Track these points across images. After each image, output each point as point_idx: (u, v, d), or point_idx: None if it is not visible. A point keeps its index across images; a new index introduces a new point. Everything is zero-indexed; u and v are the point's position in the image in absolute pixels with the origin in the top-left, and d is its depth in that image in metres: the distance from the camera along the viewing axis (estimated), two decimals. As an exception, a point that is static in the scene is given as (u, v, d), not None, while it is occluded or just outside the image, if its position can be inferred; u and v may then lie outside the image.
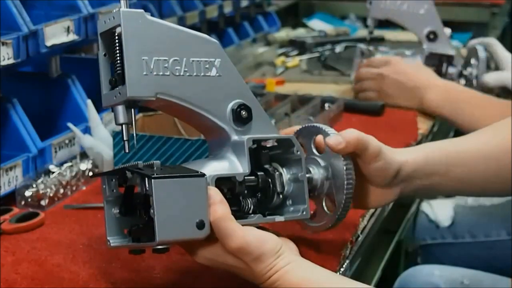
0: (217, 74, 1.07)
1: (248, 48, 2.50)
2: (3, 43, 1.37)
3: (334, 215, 1.14)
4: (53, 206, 1.40)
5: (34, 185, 1.39)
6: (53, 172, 1.45)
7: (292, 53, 2.54)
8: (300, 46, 2.57)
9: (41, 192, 1.39)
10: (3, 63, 1.37)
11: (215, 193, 1.02)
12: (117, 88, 1.01)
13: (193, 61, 1.05)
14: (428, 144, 1.27)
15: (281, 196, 1.12)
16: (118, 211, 1.06)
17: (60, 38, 1.51)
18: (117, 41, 1.01)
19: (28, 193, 1.38)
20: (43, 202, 1.38)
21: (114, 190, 1.07)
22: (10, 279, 1.13)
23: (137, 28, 1.01)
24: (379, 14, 2.14)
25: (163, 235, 0.98)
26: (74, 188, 1.46)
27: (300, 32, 2.81)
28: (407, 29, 2.22)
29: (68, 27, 1.54)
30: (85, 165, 1.50)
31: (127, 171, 1.04)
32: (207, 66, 1.06)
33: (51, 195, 1.40)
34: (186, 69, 1.04)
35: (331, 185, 1.14)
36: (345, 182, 1.12)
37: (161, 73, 1.02)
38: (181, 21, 2.20)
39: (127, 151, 1.04)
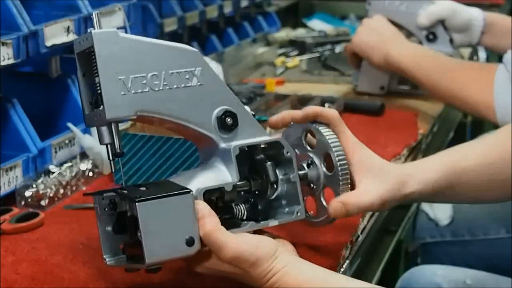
0: (199, 83, 1.06)
1: (248, 48, 2.49)
2: (3, 43, 1.37)
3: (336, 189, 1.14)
4: (53, 206, 1.40)
5: (34, 185, 1.39)
6: (53, 172, 1.45)
7: (292, 53, 2.54)
8: (300, 46, 2.57)
9: (41, 192, 1.39)
10: (3, 63, 1.37)
11: (203, 207, 1.02)
12: (98, 110, 1.01)
13: (172, 73, 1.04)
14: (434, 165, 1.22)
15: (275, 186, 1.12)
16: (111, 229, 1.06)
17: (60, 38, 1.51)
18: (94, 61, 1.00)
19: (28, 193, 1.38)
20: (43, 202, 1.38)
21: (106, 209, 1.07)
22: (10, 279, 1.13)
23: (111, 48, 1.00)
24: (378, 14, 2.14)
25: (152, 258, 0.98)
26: (74, 188, 1.46)
27: (300, 32, 2.81)
28: (407, 30, 2.21)
29: (68, 27, 1.53)
30: (85, 165, 1.50)
31: (115, 195, 1.04)
32: (187, 76, 1.05)
33: (51, 195, 1.40)
34: (165, 83, 1.04)
35: (327, 179, 1.15)
36: (340, 173, 1.12)
37: (139, 91, 1.02)
38: (181, 21, 2.20)
39: (113, 170, 1.04)
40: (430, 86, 1.80)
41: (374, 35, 1.95)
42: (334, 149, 1.12)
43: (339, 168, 1.12)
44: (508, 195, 1.25)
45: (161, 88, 1.03)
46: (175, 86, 1.05)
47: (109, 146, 1.03)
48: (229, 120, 1.08)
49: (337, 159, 1.12)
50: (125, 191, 1.02)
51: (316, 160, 1.15)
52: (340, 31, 2.74)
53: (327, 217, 1.16)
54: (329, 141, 1.13)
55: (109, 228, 1.07)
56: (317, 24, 3.03)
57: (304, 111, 1.16)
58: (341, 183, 1.12)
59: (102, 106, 1.00)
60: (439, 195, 1.22)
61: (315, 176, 1.15)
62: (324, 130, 1.14)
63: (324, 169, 1.15)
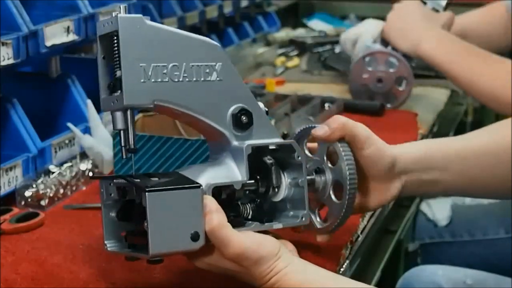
0: (218, 79, 1.06)
1: (248, 48, 2.50)
2: (3, 43, 1.37)
3: (336, 219, 1.14)
4: (53, 206, 1.40)
5: (34, 185, 1.39)
6: (53, 172, 1.45)
7: (292, 53, 2.54)
8: (300, 46, 2.57)
9: (41, 192, 1.39)
10: (3, 63, 1.37)
11: (210, 202, 1.01)
12: (115, 94, 1.01)
13: (193, 66, 1.04)
14: (427, 140, 1.27)
15: (276, 190, 1.12)
16: (115, 215, 1.06)
17: (60, 38, 1.51)
18: (115, 46, 1.00)
19: (28, 193, 1.38)
20: (43, 202, 1.38)
21: (112, 194, 1.07)
22: (10, 279, 1.13)
23: (135, 35, 1.00)
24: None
25: (156, 248, 0.98)
26: (74, 188, 1.46)
27: (300, 32, 2.81)
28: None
29: (68, 27, 1.54)
30: (85, 165, 1.50)
31: (125, 182, 1.04)
32: (207, 70, 1.05)
33: (51, 195, 1.40)
34: (185, 75, 1.04)
35: (330, 203, 1.14)
36: (344, 209, 1.11)
37: (159, 80, 1.01)
38: (181, 21, 2.20)
39: (124, 157, 1.03)
40: (464, 84, 1.80)
41: (405, 23, 1.91)
42: (349, 183, 1.11)
43: (346, 203, 1.11)
44: (508, 190, 1.24)
45: (180, 79, 1.03)
46: (194, 79, 1.04)
47: (122, 132, 1.02)
48: (244, 118, 1.08)
49: (348, 193, 1.11)
50: (136, 179, 1.02)
51: (328, 179, 1.14)
52: (340, 31, 2.74)
53: (328, 226, 1.15)
54: (348, 173, 1.11)
55: (112, 214, 1.06)
56: (317, 24, 3.03)
57: (340, 126, 1.14)
58: (341, 216, 1.12)
59: (120, 91, 1.00)
60: (433, 168, 1.20)
61: (321, 186, 1.15)
62: (347, 158, 1.12)
63: (332, 195, 1.14)
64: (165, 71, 1.02)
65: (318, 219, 1.16)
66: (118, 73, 1.00)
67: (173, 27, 2.12)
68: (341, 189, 1.12)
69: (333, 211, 1.14)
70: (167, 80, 1.02)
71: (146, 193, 0.97)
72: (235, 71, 1.08)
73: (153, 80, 1.01)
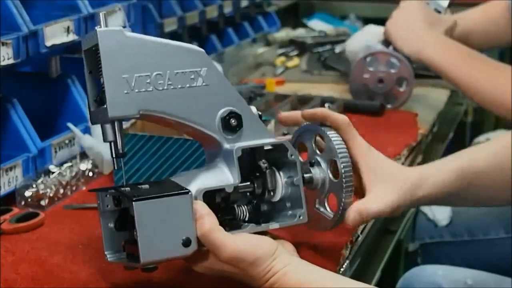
0: (204, 84, 1.06)
1: (248, 48, 2.50)
2: (3, 43, 1.37)
3: (335, 216, 1.14)
4: (53, 206, 1.40)
5: (34, 185, 1.39)
6: (53, 172, 1.45)
7: (292, 53, 2.54)
8: (300, 46, 2.57)
9: (41, 192, 1.39)
10: (3, 63, 1.37)
11: (201, 207, 1.01)
12: (102, 107, 1.01)
13: (177, 73, 1.04)
14: (446, 168, 1.23)
15: (272, 193, 1.12)
16: (113, 225, 1.07)
17: (60, 38, 1.51)
18: (99, 59, 1.00)
19: (28, 193, 1.38)
20: (43, 202, 1.38)
21: (109, 206, 1.07)
22: (10, 279, 1.13)
23: (115, 47, 1.00)
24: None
25: (147, 257, 0.98)
26: (74, 188, 1.46)
27: (300, 32, 2.81)
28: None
29: (68, 27, 1.54)
30: (85, 165, 1.50)
31: (117, 192, 1.04)
32: (192, 76, 1.05)
33: (51, 195, 1.40)
34: (170, 83, 1.03)
35: (332, 185, 1.14)
36: (344, 181, 1.12)
37: (143, 90, 1.01)
38: (181, 21, 2.20)
39: (115, 168, 1.04)
40: (465, 88, 1.79)
41: (408, 25, 1.89)
42: (340, 157, 1.12)
43: (344, 176, 1.11)
44: (508, 203, 1.24)
45: (165, 87, 1.03)
46: (179, 86, 1.04)
47: (112, 144, 1.03)
48: (233, 121, 1.08)
49: (342, 166, 1.11)
50: (126, 189, 1.02)
51: (323, 165, 1.15)
52: (340, 31, 2.74)
53: (329, 223, 1.16)
54: (337, 147, 1.12)
55: (111, 225, 1.07)
56: (317, 24, 3.03)
57: (314, 110, 1.16)
58: (344, 190, 1.12)
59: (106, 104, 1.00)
60: (451, 198, 1.21)
61: (321, 180, 1.15)
62: (333, 136, 1.13)
63: (330, 175, 1.14)
64: (148, 80, 1.02)
65: (328, 209, 1.16)
66: (103, 87, 1.00)
67: (172, 27, 2.12)
68: (337, 168, 1.12)
69: (336, 191, 1.13)
70: (151, 89, 1.02)
71: (133, 202, 0.97)
72: (222, 75, 1.08)
73: (137, 90, 1.01)
